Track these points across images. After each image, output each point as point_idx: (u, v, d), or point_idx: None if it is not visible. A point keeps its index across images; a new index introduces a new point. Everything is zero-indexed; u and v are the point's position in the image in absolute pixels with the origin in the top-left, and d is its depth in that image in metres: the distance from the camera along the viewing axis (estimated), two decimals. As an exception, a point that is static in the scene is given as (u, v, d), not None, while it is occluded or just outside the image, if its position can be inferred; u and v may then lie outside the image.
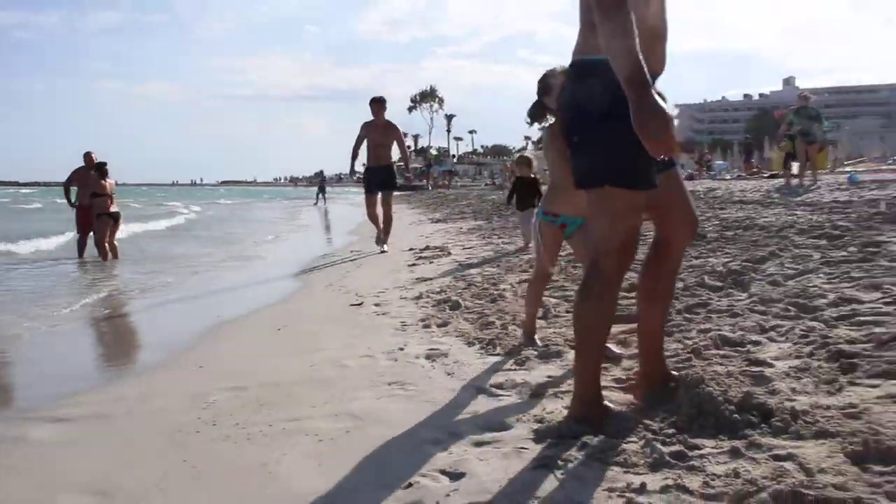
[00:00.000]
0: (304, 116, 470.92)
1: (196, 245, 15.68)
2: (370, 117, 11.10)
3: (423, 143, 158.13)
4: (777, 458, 2.30)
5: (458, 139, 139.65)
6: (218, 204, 50.72)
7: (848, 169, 18.39)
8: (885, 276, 4.79)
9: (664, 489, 2.16)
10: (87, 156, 13.06)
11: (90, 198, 12.33)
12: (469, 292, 6.09)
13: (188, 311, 7.16)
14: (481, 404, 3.16)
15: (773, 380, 3.05)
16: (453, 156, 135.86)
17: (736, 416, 2.62)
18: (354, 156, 11.25)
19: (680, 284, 5.32)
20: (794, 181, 16.64)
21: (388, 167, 11.25)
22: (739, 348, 3.59)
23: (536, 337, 4.17)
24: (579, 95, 2.62)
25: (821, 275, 5.08)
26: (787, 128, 16.79)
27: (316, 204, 42.20)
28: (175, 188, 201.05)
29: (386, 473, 2.51)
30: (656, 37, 2.63)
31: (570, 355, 3.83)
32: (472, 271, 7.58)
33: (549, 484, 2.30)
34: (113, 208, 12.50)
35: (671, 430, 2.59)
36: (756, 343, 3.66)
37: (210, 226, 24.02)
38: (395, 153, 11.85)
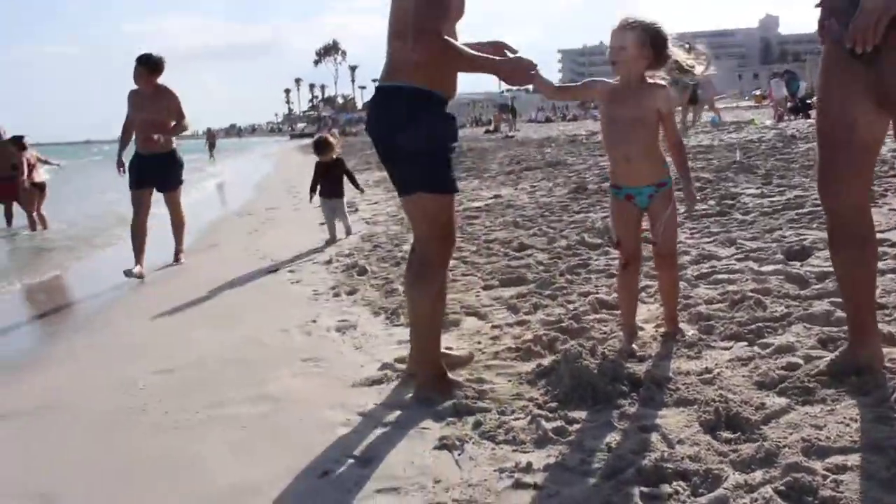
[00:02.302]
0: (211, 74, 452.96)
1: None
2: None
3: (329, 92, 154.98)
4: (644, 429, 2.43)
5: (363, 88, 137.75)
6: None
7: (711, 113, 19.10)
8: (738, 231, 5.04)
9: (547, 467, 2.27)
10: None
11: (10, 170, 11.60)
12: (375, 255, 6.09)
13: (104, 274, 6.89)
14: (386, 381, 3.20)
15: (643, 344, 3.21)
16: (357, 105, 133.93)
17: (609, 387, 2.74)
18: (124, 143, 7.00)
19: (563, 242, 5.48)
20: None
21: (170, 154, 6.94)
22: (614, 311, 3.73)
23: (635, 345, 3.20)
24: (392, 118, 2.84)
25: (685, 230, 5.30)
26: None
27: (210, 158, 40.76)
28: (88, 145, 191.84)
29: (302, 460, 2.54)
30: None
31: (465, 323, 3.92)
32: (378, 230, 7.57)
33: (448, 466, 2.38)
34: (37, 178, 11.87)
35: (554, 404, 2.70)
36: (628, 305, 3.82)
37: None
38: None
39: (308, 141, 58.33)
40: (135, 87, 6.80)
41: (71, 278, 7.43)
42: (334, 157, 7.73)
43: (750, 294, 3.59)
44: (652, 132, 3.10)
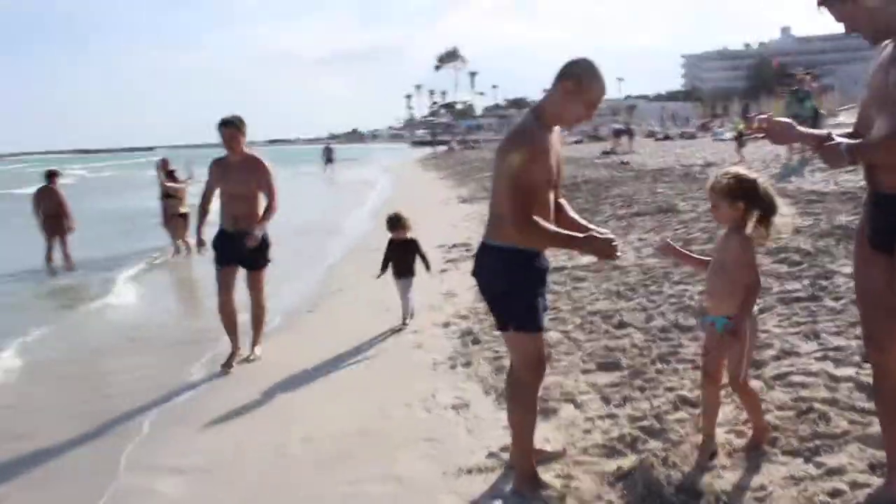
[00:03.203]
0: (337, 78, 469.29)
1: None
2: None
3: (449, 98, 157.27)
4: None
5: (481, 94, 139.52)
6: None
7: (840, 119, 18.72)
8: (824, 322, 5.37)
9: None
10: (163, 161, 13.94)
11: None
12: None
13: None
14: (491, 471, 3.84)
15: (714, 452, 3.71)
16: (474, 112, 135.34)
17: (674, 498, 3.28)
18: (203, 213, 6.44)
19: (659, 322, 5.95)
20: (793, 160, 16.83)
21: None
22: (693, 410, 4.22)
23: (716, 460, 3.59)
24: (489, 271, 3.52)
25: (774, 315, 5.67)
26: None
27: (325, 171, 42.65)
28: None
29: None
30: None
31: (562, 412, 4.51)
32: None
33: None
34: (181, 209, 13.30)
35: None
36: (707, 404, 4.29)
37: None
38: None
39: (427, 151, 60.86)
40: (220, 156, 6.31)
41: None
42: (408, 236, 7.23)
43: (817, 406, 3.99)
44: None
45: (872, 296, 2.95)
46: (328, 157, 45.59)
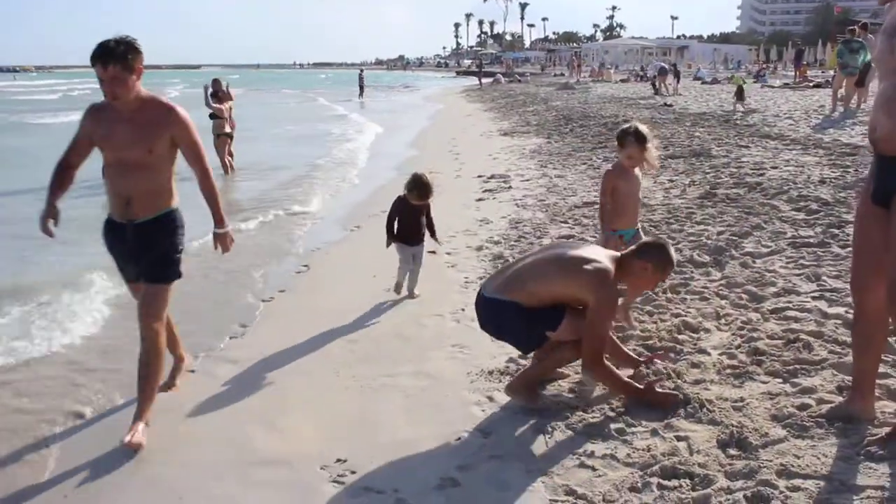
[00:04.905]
0: (385, 4, 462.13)
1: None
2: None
3: (498, 29, 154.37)
4: (678, 438, 3.48)
5: (531, 26, 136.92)
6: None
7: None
8: (827, 266, 5.76)
9: (603, 456, 3.39)
10: (215, 82, 14.35)
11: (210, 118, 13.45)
12: (519, 246, 7.24)
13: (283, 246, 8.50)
14: (509, 374, 4.39)
15: (704, 370, 4.20)
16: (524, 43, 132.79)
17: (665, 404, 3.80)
18: (59, 180, 3.92)
19: (676, 257, 6.37)
20: (836, 112, 16.74)
21: (162, 219, 3.92)
22: (693, 334, 4.71)
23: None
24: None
25: (783, 257, 6.08)
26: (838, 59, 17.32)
27: (360, 97, 43.51)
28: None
29: (446, 427, 3.80)
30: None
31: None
32: (525, 216, 8.68)
33: (539, 444, 3.55)
34: (227, 128, 13.84)
35: (621, 410, 3.80)
36: (707, 331, 4.78)
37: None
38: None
39: (472, 82, 60.20)
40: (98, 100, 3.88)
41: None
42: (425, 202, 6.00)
43: (804, 336, 4.44)
44: None
45: (866, 244, 3.35)
46: (361, 84, 45.88)
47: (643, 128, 5.00)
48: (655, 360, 4.25)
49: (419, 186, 5.83)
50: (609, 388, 3.95)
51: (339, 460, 3.54)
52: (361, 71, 52.19)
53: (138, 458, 3.66)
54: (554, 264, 3.90)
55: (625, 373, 4.04)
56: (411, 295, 6.05)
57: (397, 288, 6.06)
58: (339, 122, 27.93)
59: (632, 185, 5.04)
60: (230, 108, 13.98)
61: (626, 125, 5.10)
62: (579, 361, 3.96)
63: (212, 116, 13.66)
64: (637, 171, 5.10)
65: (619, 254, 4.04)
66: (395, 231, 5.95)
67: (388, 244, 6.03)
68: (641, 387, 3.87)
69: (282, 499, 3.31)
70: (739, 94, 19.54)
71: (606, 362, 3.83)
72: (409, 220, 5.95)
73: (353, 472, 3.43)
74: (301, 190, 12.14)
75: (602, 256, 3.89)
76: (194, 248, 6.42)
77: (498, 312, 3.95)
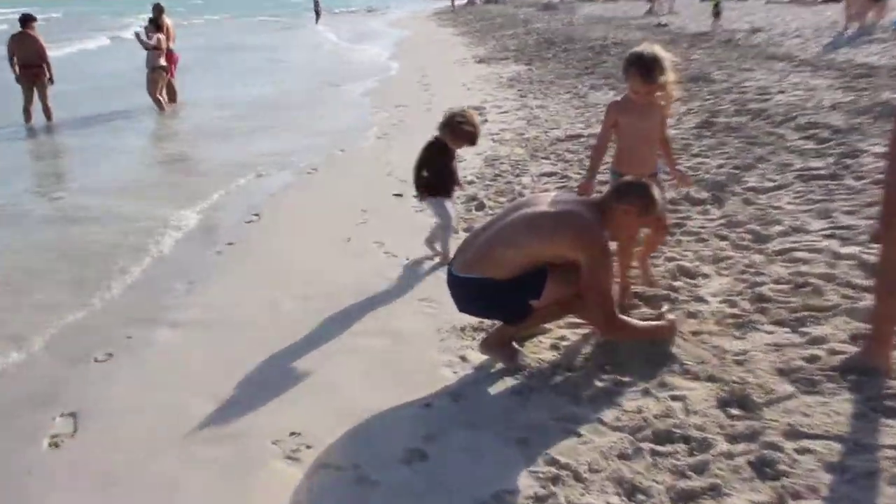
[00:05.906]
0: None
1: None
2: None
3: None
4: (673, 397, 3.42)
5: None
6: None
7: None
8: (840, 201, 5.69)
9: (589, 419, 3.32)
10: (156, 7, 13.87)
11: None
12: (494, 186, 7.10)
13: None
14: (482, 330, 4.29)
15: (702, 320, 4.13)
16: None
17: (657, 357, 3.73)
18: None
19: (671, 193, 6.30)
20: (849, 30, 16.64)
21: None
22: (690, 280, 4.64)
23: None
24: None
25: (790, 192, 6.00)
26: None
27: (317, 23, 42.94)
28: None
29: (413, 392, 3.70)
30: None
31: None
32: (502, 152, 8.53)
33: (520, 408, 3.47)
34: (161, 61, 13.49)
35: (609, 367, 3.72)
36: (706, 276, 4.70)
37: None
38: None
39: (445, 4, 58.95)
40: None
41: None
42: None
43: (813, 280, 4.38)
44: None
45: None
46: (316, 10, 44.39)
47: (651, 53, 4.23)
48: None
49: (454, 123, 5.35)
50: (633, 338, 3.89)
51: (292, 433, 3.45)
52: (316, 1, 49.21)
53: (59, 435, 3.55)
54: (524, 228, 3.70)
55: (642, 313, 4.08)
56: (444, 259, 5.36)
57: (445, 259, 5.31)
58: (285, 50, 27.36)
59: (643, 121, 4.42)
60: (169, 37, 13.63)
61: (634, 50, 4.37)
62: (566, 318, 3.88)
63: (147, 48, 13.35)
64: (659, 103, 4.44)
65: (594, 199, 3.92)
66: (438, 183, 5.47)
67: (421, 197, 5.57)
68: (666, 324, 3.90)
69: (228, 478, 3.20)
70: (716, 13, 20.18)
71: (622, 317, 3.77)
72: (441, 167, 5.48)
73: (308, 447, 3.34)
74: (246, 127, 11.88)
75: (576, 205, 3.75)
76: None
77: (473, 292, 3.82)
